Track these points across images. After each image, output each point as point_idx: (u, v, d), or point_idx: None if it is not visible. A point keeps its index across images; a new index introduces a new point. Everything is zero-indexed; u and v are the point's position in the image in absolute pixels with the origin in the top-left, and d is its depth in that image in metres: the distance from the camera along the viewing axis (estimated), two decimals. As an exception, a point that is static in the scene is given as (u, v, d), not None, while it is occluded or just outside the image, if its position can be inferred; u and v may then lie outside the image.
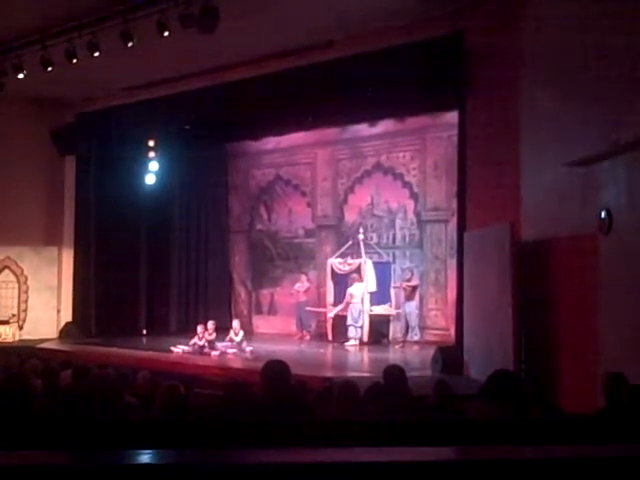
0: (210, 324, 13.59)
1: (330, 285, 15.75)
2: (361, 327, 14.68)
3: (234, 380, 6.87)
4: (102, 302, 16.86)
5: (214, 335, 13.50)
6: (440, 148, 15.29)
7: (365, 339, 14.71)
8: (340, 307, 15.11)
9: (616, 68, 7.75)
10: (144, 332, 17.16)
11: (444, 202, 15.21)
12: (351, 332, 14.61)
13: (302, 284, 16.34)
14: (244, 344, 13.53)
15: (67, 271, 17.06)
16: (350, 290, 14.96)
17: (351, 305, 14.76)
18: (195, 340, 13.31)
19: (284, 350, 13.65)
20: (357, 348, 14.33)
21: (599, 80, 8.03)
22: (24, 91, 14.67)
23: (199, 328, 13.53)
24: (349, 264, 15.48)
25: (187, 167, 17.65)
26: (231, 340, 13.68)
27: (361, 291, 14.85)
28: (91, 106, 16.37)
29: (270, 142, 17.69)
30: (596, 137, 7.91)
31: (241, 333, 13.78)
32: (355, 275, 15.10)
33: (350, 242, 16.07)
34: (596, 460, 2.32)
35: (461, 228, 11.43)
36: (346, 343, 14.47)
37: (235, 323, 14.16)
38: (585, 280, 8.30)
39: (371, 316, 14.94)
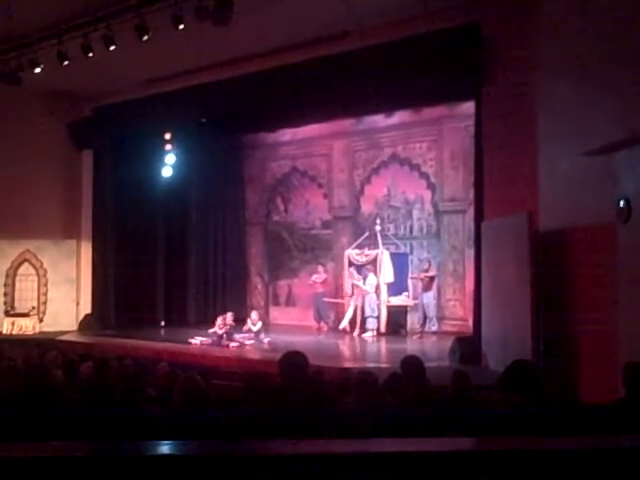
0: (229, 315, 13.63)
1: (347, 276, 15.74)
2: (377, 318, 14.69)
3: (252, 371, 6.90)
4: (121, 294, 16.97)
5: (233, 324, 13.56)
6: (457, 138, 15.24)
7: (383, 330, 14.72)
8: (354, 298, 15.13)
9: (634, 56, 7.68)
10: (162, 324, 17.28)
11: (461, 192, 15.17)
12: (369, 323, 14.61)
13: (319, 275, 16.34)
14: (262, 335, 13.58)
15: (86, 264, 17.16)
16: (356, 282, 15.09)
17: (367, 297, 14.76)
18: (215, 329, 13.35)
19: (302, 341, 13.66)
20: (374, 339, 14.33)
21: (617, 68, 7.96)
22: (41, 85, 14.74)
23: (219, 319, 13.56)
24: (366, 255, 15.46)
25: (204, 159, 17.71)
26: (249, 330, 13.74)
27: (375, 282, 14.86)
28: (107, 100, 16.43)
29: (286, 134, 17.70)
30: (614, 126, 7.85)
31: (259, 324, 13.84)
32: (369, 266, 15.10)
33: (367, 233, 16.06)
34: (615, 451, 2.32)
35: (478, 218, 11.38)
36: (364, 334, 14.48)
37: (253, 314, 14.21)
38: (604, 269, 8.25)
39: (388, 307, 14.93)
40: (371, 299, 14.74)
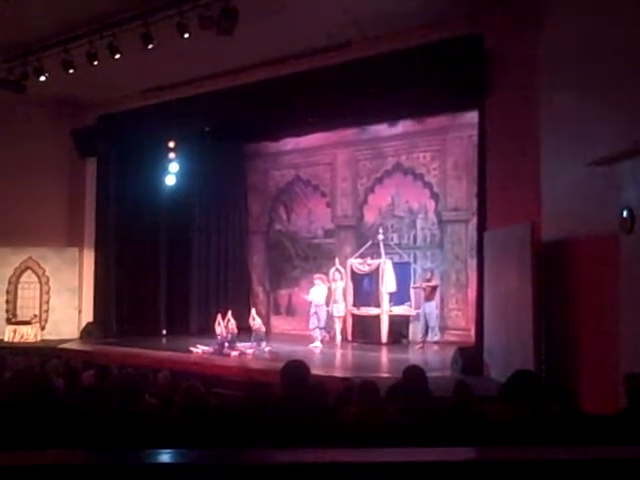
0: (232, 320, 13.68)
1: (350, 286, 15.72)
2: (324, 328, 14.76)
3: (254, 380, 6.88)
4: (122, 302, 16.98)
5: (236, 332, 13.58)
6: (460, 148, 15.25)
7: (385, 340, 14.72)
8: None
9: (635, 67, 7.69)
10: (164, 332, 17.27)
11: (464, 202, 15.17)
12: (316, 333, 14.64)
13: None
14: (263, 344, 13.57)
15: (88, 272, 17.15)
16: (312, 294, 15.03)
17: (317, 308, 14.74)
18: (221, 331, 13.44)
19: (303, 350, 13.67)
20: (321, 349, 14.25)
21: (619, 79, 7.97)
22: (45, 93, 14.79)
23: (219, 319, 13.71)
24: (369, 264, 15.46)
25: (207, 168, 17.72)
26: (253, 319, 13.92)
27: (323, 294, 14.89)
28: (111, 108, 16.46)
29: (289, 143, 17.72)
30: (617, 136, 7.85)
31: (258, 319, 14.02)
32: (318, 276, 15.12)
33: (370, 242, 16.05)
34: (617, 461, 2.31)
35: (481, 228, 11.39)
36: (311, 345, 14.43)
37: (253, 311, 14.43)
38: (606, 280, 8.24)
39: (390, 316, 14.93)
40: (320, 311, 14.73)
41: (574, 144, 9.00)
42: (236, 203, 18.71)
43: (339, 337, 14.95)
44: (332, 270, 15.51)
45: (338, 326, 15.10)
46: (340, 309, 15.08)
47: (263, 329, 14.09)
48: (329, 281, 15.63)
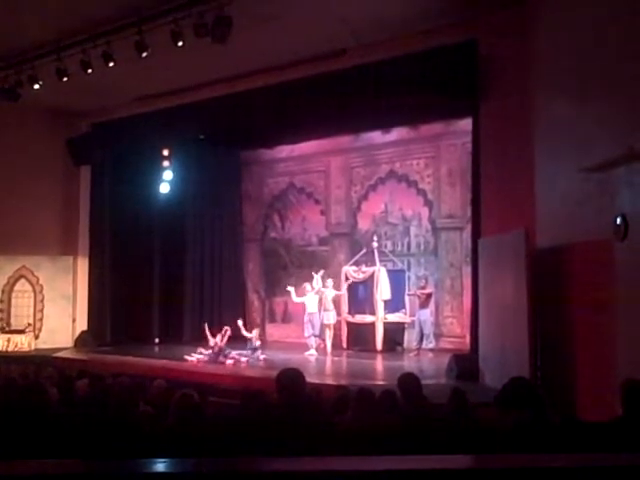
0: (226, 333, 13.64)
1: (345, 293, 15.70)
2: (319, 336, 14.68)
3: (249, 388, 6.86)
4: (117, 311, 16.94)
5: (226, 339, 13.55)
6: (454, 155, 15.29)
7: (379, 347, 14.69)
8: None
9: (631, 73, 7.71)
10: (157, 341, 17.22)
11: (459, 209, 15.19)
12: (310, 341, 14.58)
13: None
14: (258, 352, 13.54)
15: (82, 280, 17.12)
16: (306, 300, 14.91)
17: (310, 316, 14.70)
18: (216, 340, 13.37)
19: (298, 358, 13.64)
20: (315, 357, 14.14)
21: (614, 85, 7.99)
22: (40, 102, 14.77)
23: (218, 336, 13.60)
24: (363, 272, 15.45)
25: (201, 176, 17.73)
26: (249, 330, 13.91)
27: (315, 302, 14.84)
28: (106, 116, 16.47)
29: (284, 150, 17.75)
30: (611, 143, 7.86)
31: (254, 332, 13.93)
32: (307, 284, 15.07)
33: (364, 250, 16.05)
34: (613, 468, 2.30)
35: (476, 235, 11.39)
36: (306, 353, 14.36)
37: (254, 332, 14.20)
38: (601, 286, 8.24)
39: (385, 324, 14.91)
40: (313, 318, 14.69)
41: (569, 150, 9.02)
42: (231, 211, 18.69)
43: (329, 345, 14.88)
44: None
45: (329, 334, 15.04)
46: (330, 317, 15.02)
47: (255, 332, 14.05)
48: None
